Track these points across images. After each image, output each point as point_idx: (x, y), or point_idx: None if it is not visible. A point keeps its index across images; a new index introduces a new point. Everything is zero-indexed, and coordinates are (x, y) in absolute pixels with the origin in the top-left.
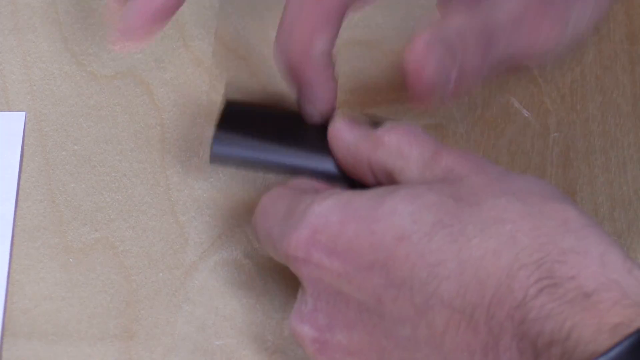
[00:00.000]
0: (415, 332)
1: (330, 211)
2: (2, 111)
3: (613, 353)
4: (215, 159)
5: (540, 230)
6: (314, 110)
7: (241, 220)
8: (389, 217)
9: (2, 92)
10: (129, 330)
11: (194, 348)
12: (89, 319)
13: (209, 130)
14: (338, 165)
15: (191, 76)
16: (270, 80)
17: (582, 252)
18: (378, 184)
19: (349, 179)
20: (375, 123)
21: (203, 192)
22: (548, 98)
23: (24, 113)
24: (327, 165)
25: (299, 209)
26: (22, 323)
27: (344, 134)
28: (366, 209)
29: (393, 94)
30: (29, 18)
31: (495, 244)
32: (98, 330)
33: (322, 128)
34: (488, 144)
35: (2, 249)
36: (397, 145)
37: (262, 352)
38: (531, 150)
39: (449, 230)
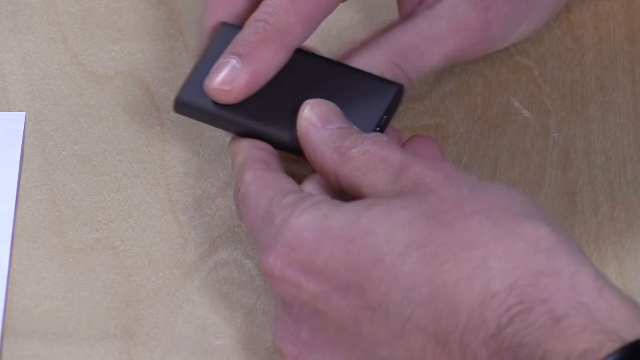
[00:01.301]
0: (392, 353)
1: (306, 228)
2: (2, 111)
3: None
4: (179, 108)
5: (512, 253)
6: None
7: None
8: (364, 237)
9: (2, 92)
10: (129, 330)
11: (194, 348)
12: (89, 319)
13: (209, 130)
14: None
15: None
16: None
17: (554, 273)
18: (343, 193)
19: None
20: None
21: (203, 192)
22: (548, 98)
23: (24, 113)
24: (287, 140)
25: (277, 219)
26: (22, 323)
27: (312, 134)
28: (342, 228)
29: None
30: (29, 18)
31: (468, 269)
32: (98, 330)
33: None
34: (488, 144)
35: (2, 249)
36: (365, 160)
37: (262, 352)
38: (531, 150)
39: (422, 252)
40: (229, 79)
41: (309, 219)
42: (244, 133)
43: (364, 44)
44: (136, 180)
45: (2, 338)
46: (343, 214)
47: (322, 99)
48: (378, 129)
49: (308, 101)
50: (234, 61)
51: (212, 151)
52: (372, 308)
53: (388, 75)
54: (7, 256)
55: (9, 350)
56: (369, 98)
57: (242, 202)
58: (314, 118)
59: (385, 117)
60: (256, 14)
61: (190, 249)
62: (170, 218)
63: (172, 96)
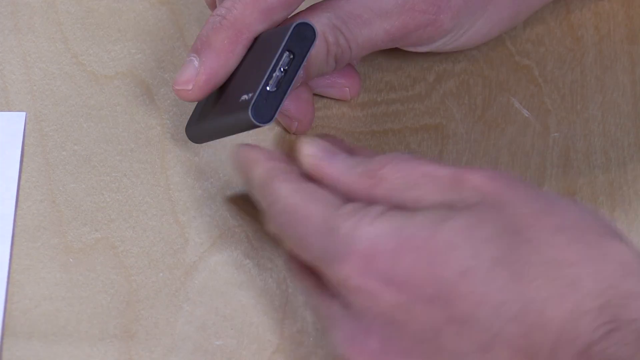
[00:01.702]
0: None
1: (383, 237)
2: (2, 111)
3: None
4: (189, 134)
5: (601, 274)
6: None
7: (241, 220)
8: (448, 250)
9: (2, 92)
10: (129, 330)
11: (194, 348)
12: (89, 319)
13: None
14: None
15: None
16: None
17: None
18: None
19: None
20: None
21: (203, 192)
22: (548, 98)
23: (24, 113)
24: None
25: (342, 229)
26: (22, 323)
27: (325, 168)
28: (421, 239)
29: (393, 94)
30: (29, 18)
31: (559, 287)
32: (98, 330)
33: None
34: (488, 144)
35: (2, 249)
36: (403, 178)
37: (262, 352)
38: (531, 150)
39: (511, 269)
40: (191, 77)
41: (383, 227)
42: (229, 130)
43: (311, 7)
44: (136, 180)
45: (2, 338)
46: (420, 224)
47: (315, 138)
48: (282, 69)
49: (304, 140)
50: (194, 59)
51: (212, 151)
52: (459, 321)
53: (330, 38)
54: (7, 256)
55: (9, 350)
56: (273, 43)
57: (283, 215)
58: (320, 153)
59: (288, 55)
60: (217, 9)
61: (190, 249)
62: (170, 218)
63: (172, 96)
